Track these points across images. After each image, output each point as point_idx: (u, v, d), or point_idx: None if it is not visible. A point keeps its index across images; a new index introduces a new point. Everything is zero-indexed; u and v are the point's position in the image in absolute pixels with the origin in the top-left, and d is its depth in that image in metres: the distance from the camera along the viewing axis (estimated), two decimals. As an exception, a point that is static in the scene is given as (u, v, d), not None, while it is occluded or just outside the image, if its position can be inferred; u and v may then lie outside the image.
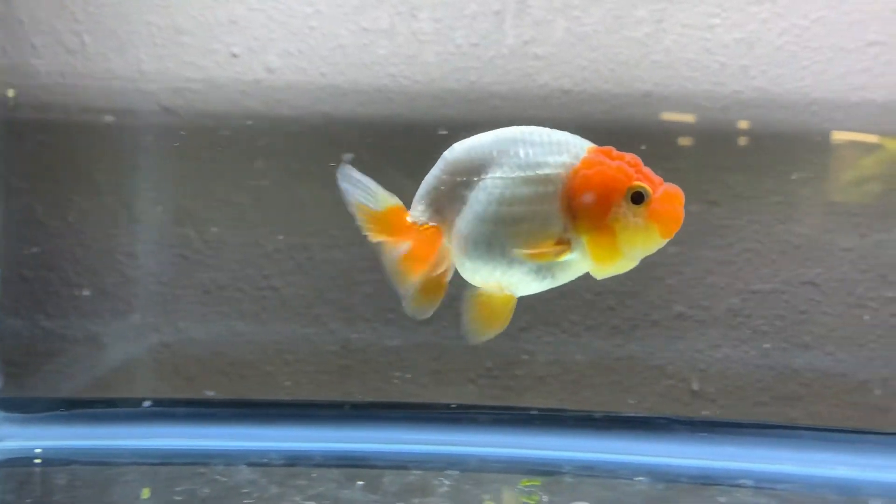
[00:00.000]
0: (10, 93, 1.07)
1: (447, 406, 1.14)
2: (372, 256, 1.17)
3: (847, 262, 1.14)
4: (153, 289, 1.14)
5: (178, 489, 0.89)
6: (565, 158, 0.65)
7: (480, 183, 0.66)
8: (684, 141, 1.13)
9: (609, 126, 1.14)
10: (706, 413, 1.16)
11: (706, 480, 0.96)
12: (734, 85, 1.11)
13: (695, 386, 1.16)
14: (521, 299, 1.14)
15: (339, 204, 1.18)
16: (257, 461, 0.94)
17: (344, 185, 0.70)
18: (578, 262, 0.65)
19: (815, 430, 1.10)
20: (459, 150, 0.68)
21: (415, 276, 0.69)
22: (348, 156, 0.90)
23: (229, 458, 0.96)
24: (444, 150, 1.10)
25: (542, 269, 0.66)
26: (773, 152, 1.12)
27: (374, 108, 1.13)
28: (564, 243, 0.65)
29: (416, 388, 1.18)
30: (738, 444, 1.07)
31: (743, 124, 1.12)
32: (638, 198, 0.63)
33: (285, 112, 1.12)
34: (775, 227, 1.14)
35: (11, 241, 1.11)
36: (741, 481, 0.96)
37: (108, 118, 1.12)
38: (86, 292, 1.13)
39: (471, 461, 0.99)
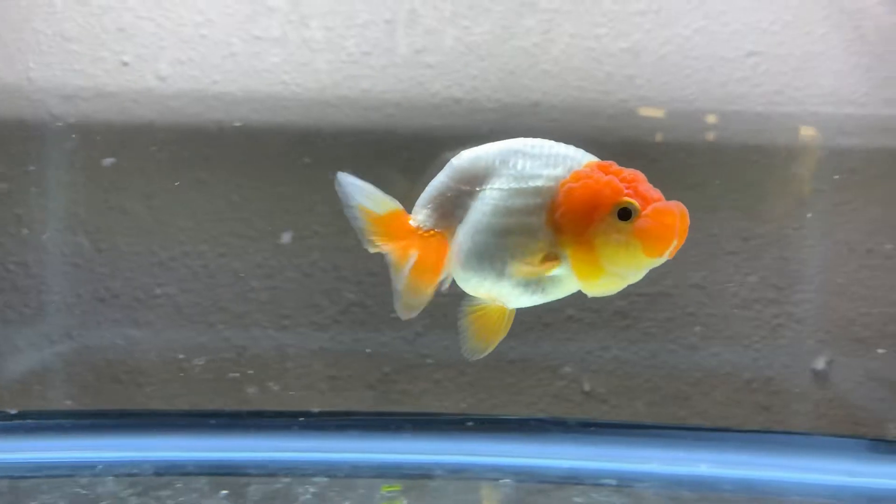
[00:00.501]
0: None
1: (342, 413, 1.16)
2: (267, 264, 1.20)
3: (731, 266, 1.18)
4: (46, 298, 1.15)
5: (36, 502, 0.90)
6: (559, 171, 0.65)
7: (480, 193, 0.67)
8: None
9: (501, 135, 1.17)
10: (597, 412, 1.20)
11: (572, 480, 1.00)
12: (621, 94, 1.15)
13: (586, 387, 1.21)
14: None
15: (233, 210, 1.20)
16: (125, 472, 0.96)
17: (342, 189, 0.69)
18: (567, 278, 0.65)
19: (695, 429, 1.15)
20: (465, 157, 0.68)
21: (426, 286, 0.70)
22: None
23: (97, 470, 0.97)
24: (337, 155, 1.13)
25: (532, 284, 0.67)
26: (657, 159, 1.16)
27: (268, 115, 1.15)
28: (553, 258, 0.65)
29: (314, 394, 1.20)
30: (615, 445, 1.11)
31: (629, 131, 1.16)
32: (625, 214, 0.62)
33: (178, 120, 1.13)
34: (662, 232, 1.18)
35: None
36: (604, 481, 1.00)
37: (-4, 127, 1.12)
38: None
39: (343, 468, 1.01)
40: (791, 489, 1.02)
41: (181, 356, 1.17)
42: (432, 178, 0.70)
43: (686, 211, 0.63)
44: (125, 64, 1.12)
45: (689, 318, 1.20)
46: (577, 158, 0.65)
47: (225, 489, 0.93)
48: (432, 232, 0.68)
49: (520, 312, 1.23)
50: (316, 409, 1.13)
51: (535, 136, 1.20)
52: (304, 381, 1.20)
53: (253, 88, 1.13)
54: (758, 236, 1.17)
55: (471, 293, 0.69)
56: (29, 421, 1.10)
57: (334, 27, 1.13)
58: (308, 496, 0.90)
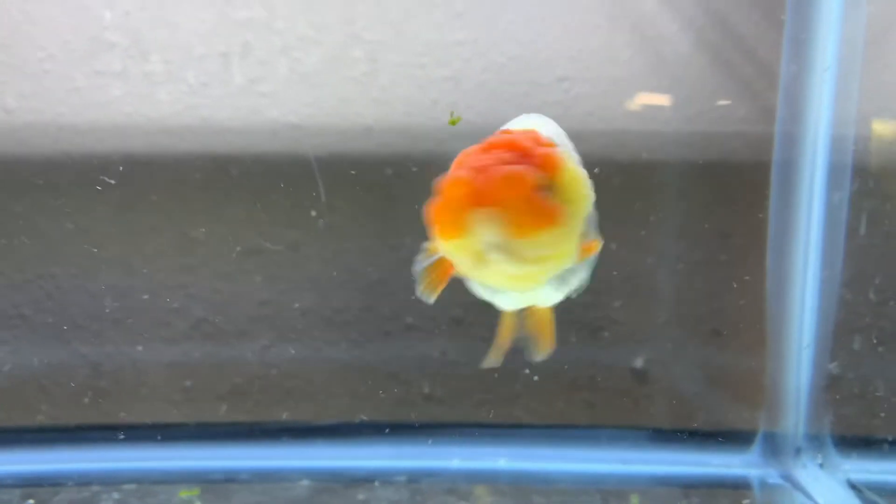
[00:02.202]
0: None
1: (194, 424, 1.29)
2: (120, 284, 1.32)
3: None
4: None
5: None
6: None
7: None
8: (400, 170, 1.31)
9: (336, 158, 1.30)
10: (436, 413, 1.35)
11: (365, 479, 1.13)
12: (445, 117, 1.29)
13: (426, 390, 1.35)
14: (264, 320, 1.30)
15: (81, 233, 1.31)
16: None
17: None
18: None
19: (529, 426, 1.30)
20: None
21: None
22: None
23: None
24: (180, 180, 1.25)
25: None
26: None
27: (112, 144, 1.27)
28: None
29: (168, 406, 1.33)
30: (422, 445, 1.25)
31: (454, 153, 1.30)
32: None
33: (25, 150, 1.25)
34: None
35: None
36: (396, 478, 1.14)
37: None
38: None
39: (149, 475, 1.13)
40: (561, 478, 1.17)
41: (39, 374, 1.28)
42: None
43: (513, 174, 0.58)
44: (-28, 99, 1.24)
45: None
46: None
47: (31, 499, 1.04)
48: None
49: (361, 323, 1.36)
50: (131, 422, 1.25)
51: (368, 160, 1.34)
52: (157, 394, 1.32)
53: (98, 120, 1.25)
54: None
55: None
56: None
57: (173, 60, 1.25)
58: (111, 502, 1.02)
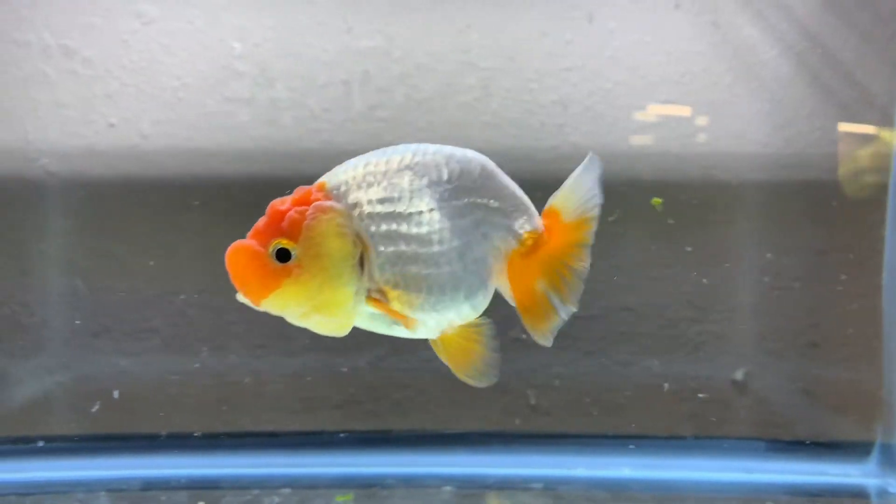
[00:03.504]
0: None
1: (310, 432, 1.40)
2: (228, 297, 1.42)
3: (657, 290, 1.42)
4: (46, 334, 1.38)
5: None
6: None
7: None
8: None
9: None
10: (542, 424, 1.44)
11: (503, 486, 1.23)
12: (552, 141, 1.39)
13: (532, 401, 1.44)
14: (376, 333, 1.40)
15: (208, 252, 1.42)
16: (116, 488, 1.19)
17: None
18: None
19: (622, 437, 1.39)
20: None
21: None
22: None
23: (91, 486, 1.20)
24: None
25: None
26: (588, 197, 1.40)
27: (239, 167, 1.38)
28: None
29: (287, 415, 1.43)
30: (551, 453, 1.35)
31: (561, 174, 1.40)
32: (283, 255, 0.74)
33: (158, 173, 1.37)
34: (594, 261, 1.42)
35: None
36: (533, 485, 1.24)
37: (-1, 183, 1.35)
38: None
39: (303, 481, 1.25)
40: (693, 487, 1.26)
41: (166, 382, 1.40)
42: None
43: (237, 248, 0.73)
44: (112, 125, 1.36)
45: (622, 338, 1.43)
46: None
47: (202, 500, 1.16)
48: None
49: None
50: (284, 429, 1.36)
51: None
52: (278, 403, 1.43)
53: (225, 143, 1.37)
54: (679, 263, 1.41)
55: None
56: (32, 444, 1.33)
57: (297, 88, 1.37)
58: None
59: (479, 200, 0.79)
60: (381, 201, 0.75)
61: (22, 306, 1.37)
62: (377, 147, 1.41)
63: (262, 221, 0.74)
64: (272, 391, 1.41)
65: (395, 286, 0.76)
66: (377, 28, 1.36)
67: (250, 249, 0.73)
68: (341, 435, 1.38)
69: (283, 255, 0.73)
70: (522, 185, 1.41)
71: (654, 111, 1.37)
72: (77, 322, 1.38)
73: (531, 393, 1.44)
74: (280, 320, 1.43)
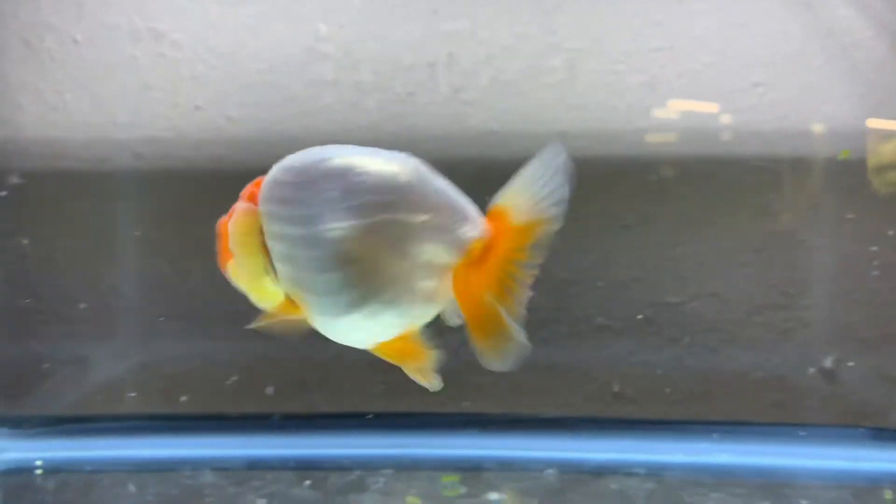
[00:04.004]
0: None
1: (393, 414, 1.40)
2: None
3: (744, 276, 1.41)
4: (132, 316, 1.40)
5: (151, 491, 1.15)
6: None
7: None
8: (597, 172, 1.40)
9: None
10: (626, 413, 1.43)
11: (606, 471, 1.23)
12: (639, 123, 1.39)
13: (616, 388, 1.44)
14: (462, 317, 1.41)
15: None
16: (221, 467, 1.21)
17: None
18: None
19: (713, 423, 1.38)
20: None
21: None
22: None
23: (196, 464, 1.22)
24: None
25: None
26: (675, 181, 1.39)
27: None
28: None
29: (369, 398, 1.44)
30: (644, 439, 1.34)
31: (649, 156, 1.39)
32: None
33: (244, 157, 1.38)
34: (681, 247, 1.42)
35: (4, 278, 1.37)
36: (635, 470, 1.23)
37: (87, 166, 1.37)
38: (72, 319, 1.39)
39: (405, 462, 1.25)
40: (800, 474, 1.25)
41: (251, 364, 1.41)
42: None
43: (225, 220, 0.75)
44: (198, 108, 1.37)
45: (708, 325, 1.42)
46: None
47: (308, 480, 1.17)
48: None
49: (553, 323, 1.46)
50: (378, 411, 1.37)
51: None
52: (359, 387, 1.43)
53: (310, 126, 1.38)
54: (768, 248, 1.40)
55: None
56: (140, 422, 1.36)
57: (382, 71, 1.37)
58: (379, 485, 1.14)
59: (398, 216, 0.71)
60: (285, 210, 0.72)
61: (109, 287, 1.39)
62: (462, 130, 1.42)
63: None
64: (357, 374, 1.42)
65: (296, 297, 0.74)
66: (463, 10, 1.35)
67: (221, 225, 0.77)
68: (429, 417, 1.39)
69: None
70: (610, 169, 1.40)
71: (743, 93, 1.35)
72: (164, 305, 1.39)
73: (615, 380, 1.43)
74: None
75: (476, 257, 0.72)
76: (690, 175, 1.38)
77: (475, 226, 0.74)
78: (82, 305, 1.39)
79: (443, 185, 0.76)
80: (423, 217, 0.71)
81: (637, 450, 1.30)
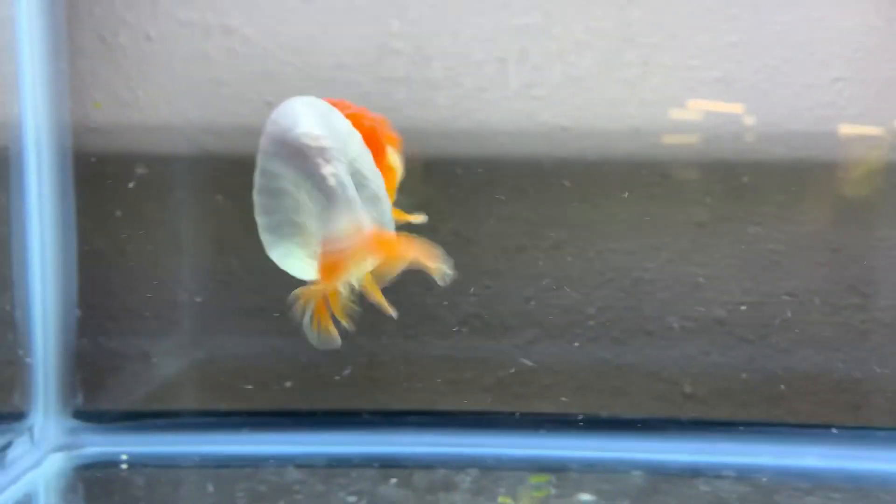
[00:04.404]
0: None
1: (461, 412, 1.40)
2: (395, 279, 1.43)
3: (821, 275, 1.39)
4: (200, 311, 1.41)
5: (239, 487, 1.16)
6: (346, 121, 0.75)
7: (354, 163, 0.72)
8: (671, 170, 1.39)
9: (604, 158, 1.39)
10: (697, 413, 1.42)
11: (693, 473, 1.22)
12: (714, 118, 1.37)
13: (687, 389, 1.42)
14: (529, 317, 1.40)
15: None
16: (304, 464, 1.21)
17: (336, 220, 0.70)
18: None
19: (792, 426, 1.36)
20: (318, 131, 0.69)
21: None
22: None
23: (280, 461, 1.23)
24: (454, 183, 1.36)
25: None
26: (751, 179, 1.37)
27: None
28: None
29: (435, 396, 1.44)
30: (725, 441, 1.32)
31: (724, 154, 1.37)
32: (384, 133, 0.77)
33: (314, 152, 1.38)
34: (756, 245, 1.40)
35: (79, 274, 1.38)
36: (724, 473, 1.22)
37: (158, 161, 1.38)
38: (141, 314, 1.40)
39: (489, 461, 1.25)
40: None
41: (319, 362, 1.42)
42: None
43: None
44: (269, 103, 1.38)
45: (783, 325, 1.40)
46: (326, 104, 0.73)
47: (393, 478, 1.17)
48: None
49: (622, 322, 1.44)
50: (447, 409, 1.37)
51: (634, 160, 1.42)
52: (425, 383, 1.43)
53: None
54: (845, 247, 1.37)
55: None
56: (227, 418, 1.37)
57: (453, 67, 1.36)
58: (466, 484, 1.14)
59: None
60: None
61: (177, 284, 1.40)
62: (533, 126, 1.41)
63: None
64: (420, 372, 1.42)
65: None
66: (535, 4, 1.34)
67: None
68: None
69: None
70: (684, 166, 1.38)
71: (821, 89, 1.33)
72: (232, 300, 1.40)
73: (686, 380, 1.41)
74: (429, 303, 1.44)
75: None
76: (765, 173, 1.36)
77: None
78: (151, 300, 1.40)
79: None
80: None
81: (724, 452, 1.29)
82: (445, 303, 1.40)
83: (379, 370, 1.41)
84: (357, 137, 0.73)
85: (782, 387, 1.39)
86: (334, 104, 0.74)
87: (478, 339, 1.41)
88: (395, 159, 0.80)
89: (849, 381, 1.38)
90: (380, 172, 0.76)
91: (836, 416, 1.39)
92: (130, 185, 1.36)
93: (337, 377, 1.41)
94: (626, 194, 1.33)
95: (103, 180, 1.36)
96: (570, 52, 1.35)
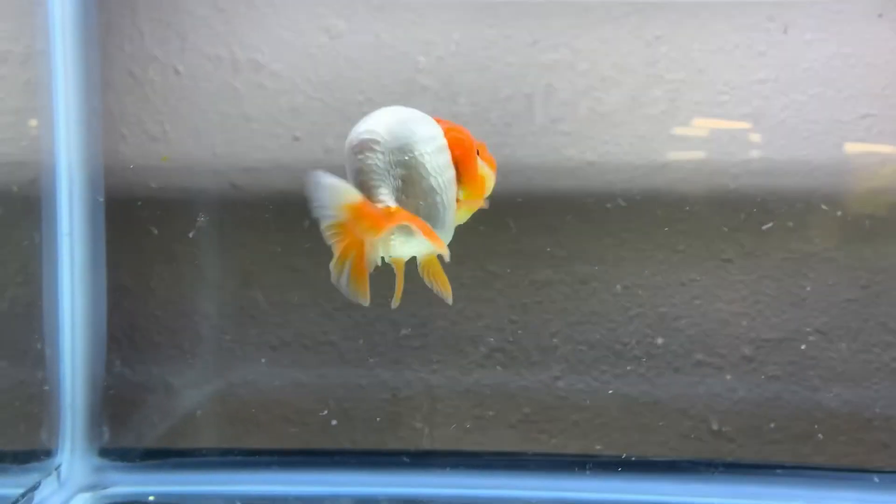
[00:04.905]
0: (101, 198, 1.36)
1: (489, 453, 1.40)
2: (417, 311, 1.43)
3: (850, 312, 1.38)
4: (226, 346, 1.41)
5: None
6: (438, 128, 0.85)
7: (411, 160, 0.81)
8: (699, 205, 1.39)
9: (631, 193, 1.39)
10: (725, 451, 1.41)
11: None
12: (742, 154, 1.37)
13: (714, 426, 1.41)
14: (555, 352, 1.40)
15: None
16: None
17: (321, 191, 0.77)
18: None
19: (825, 468, 1.35)
20: (382, 131, 0.81)
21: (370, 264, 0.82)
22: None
23: (305, 501, 1.22)
24: (481, 216, 1.36)
25: (450, 225, 0.85)
26: (779, 215, 1.37)
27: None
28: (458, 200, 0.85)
29: (460, 433, 1.43)
30: (755, 483, 1.31)
31: (752, 190, 1.37)
32: (481, 152, 0.88)
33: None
34: (784, 282, 1.39)
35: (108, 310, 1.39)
36: None
37: (185, 196, 1.39)
38: (166, 350, 1.40)
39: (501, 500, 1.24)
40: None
41: (343, 397, 1.41)
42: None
43: None
44: (297, 139, 1.39)
45: (811, 362, 1.39)
46: (427, 117, 0.85)
47: None
48: (396, 207, 0.80)
49: (649, 358, 1.44)
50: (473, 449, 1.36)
51: (664, 193, 1.42)
52: (451, 420, 1.43)
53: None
54: (875, 283, 1.37)
55: (405, 255, 0.86)
56: (234, 457, 1.36)
57: (479, 102, 1.37)
58: None
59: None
60: None
61: (203, 318, 1.40)
62: (559, 161, 1.41)
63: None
64: (444, 408, 1.42)
65: None
66: (563, 41, 1.35)
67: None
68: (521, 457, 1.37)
69: None
70: (713, 201, 1.38)
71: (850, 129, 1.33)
72: (256, 335, 1.40)
73: (713, 418, 1.40)
74: (455, 336, 1.44)
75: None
76: (794, 209, 1.36)
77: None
78: (176, 335, 1.41)
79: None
80: None
81: (750, 495, 1.28)
82: (472, 335, 1.40)
83: (403, 405, 1.41)
84: (436, 144, 0.84)
85: (811, 425, 1.38)
86: (439, 121, 0.86)
87: (503, 373, 1.41)
88: (485, 173, 0.89)
89: (879, 420, 1.37)
90: (452, 177, 0.85)
91: (865, 457, 1.37)
92: (156, 218, 1.37)
93: (362, 414, 1.41)
94: (666, 229, 1.33)
95: (129, 213, 1.37)
96: (596, 89, 1.36)
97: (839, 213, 1.36)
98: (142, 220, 1.39)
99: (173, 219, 1.40)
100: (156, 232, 1.38)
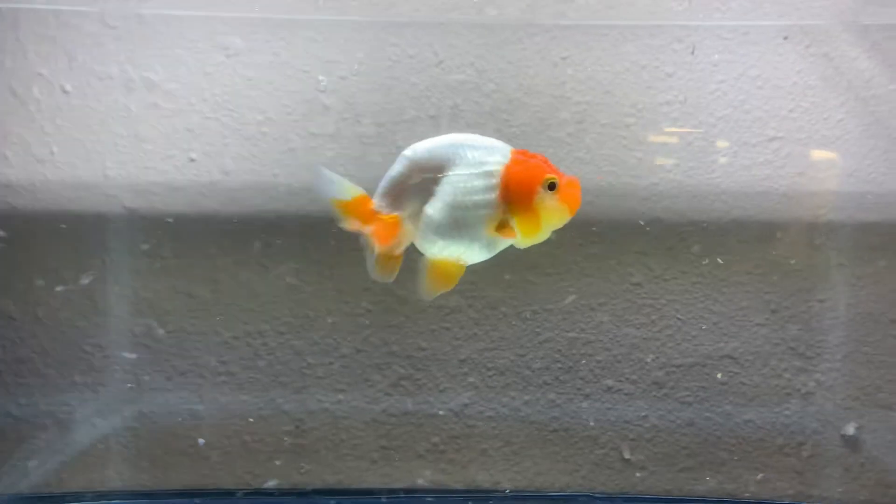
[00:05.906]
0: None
1: (394, 491, 1.36)
2: (323, 342, 1.39)
3: (760, 336, 1.37)
4: (119, 377, 1.35)
5: None
6: (499, 158, 0.92)
7: (444, 178, 0.92)
8: (607, 228, 1.36)
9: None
10: (636, 479, 1.38)
11: None
12: (651, 178, 1.35)
13: (626, 454, 1.39)
14: (461, 379, 1.36)
15: (292, 291, 1.39)
16: None
17: (317, 182, 0.97)
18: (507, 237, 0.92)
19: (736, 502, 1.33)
20: (421, 151, 0.93)
21: (393, 258, 0.94)
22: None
23: None
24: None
25: (490, 244, 0.93)
26: (688, 238, 1.35)
27: (324, 204, 1.35)
28: (505, 224, 0.92)
29: (367, 463, 1.39)
30: None
31: (660, 213, 1.35)
32: (552, 185, 0.91)
33: (240, 210, 1.34)
34: (694, 306, 1.37)
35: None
36: None
37: (75, 220, 1.33)
38: (55, 382, 1.34)
39: None
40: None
41: (243, 430, 1.36)
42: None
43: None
44: (192, 160, 1.34)
45: (722, 388, 1.37)
46: (504, 147, 0.92)
47: None
48: (391, 215, 0.94)
49: (559, 384, 1.41)
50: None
51: (575, 217, 1.39)
52: (356, 452, 1.38)
53: (310, 180, 1.34)
54: (784, 308, 1.35)
55: (433, 256, 0.94)
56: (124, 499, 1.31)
57: (384, 123, 1.34)
58: None
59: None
60: None
61: (95, 348, 1.34)
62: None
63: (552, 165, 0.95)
64: (350, 438, 1.37)
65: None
66: (469, 61, 1.33)
67: None
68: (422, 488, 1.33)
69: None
70: (620, 225, 1.36)
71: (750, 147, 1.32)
72: (152, 365, 1.34)
73: (625, 446, 1.38)
74: (361, 364, 1.39)
75: None
76: (703, 233, 1.34)
77: None
78: (69, 361, 1.34)
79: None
80: None
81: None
82: (378, 363, 1.36)
83: (306, 436, 1.36)
84: (478, 170, 0.92)
85: (723, 451, 1.36)
86: (521, 153, 0.93)
87: (410, 402, 1.37)
88: (546, 206, 0.93)
89: (791, 447, 1.36)
90: (486, 201, 0.92)
91: (778, 484, 1.36)
92: (44, 244, 1.31)
93: (263, 447, 1.36)
94: (574, 252, 1.31)
95: (14, 240, 1.31)
96: (503, 111, 1.33)
97: (748, 236, 1.34)
98: (28, 247, 1.32)
99: (63, 245, 1.34)
100: (44, 259, 1.32)
